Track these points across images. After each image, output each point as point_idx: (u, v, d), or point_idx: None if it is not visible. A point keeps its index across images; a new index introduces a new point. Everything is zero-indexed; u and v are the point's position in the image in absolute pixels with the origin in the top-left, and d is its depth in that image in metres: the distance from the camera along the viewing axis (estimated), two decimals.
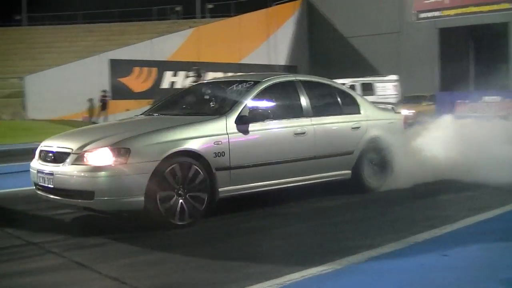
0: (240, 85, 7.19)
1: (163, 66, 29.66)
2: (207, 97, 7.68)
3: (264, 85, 6.95)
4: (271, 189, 6.72)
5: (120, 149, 5.60)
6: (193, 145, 5.97)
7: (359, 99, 8.04)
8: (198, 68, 20.07)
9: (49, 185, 5.85)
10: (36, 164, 6.18)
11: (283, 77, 7.57)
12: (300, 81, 7.39)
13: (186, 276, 4.30)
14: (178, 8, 38.21)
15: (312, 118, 7.09)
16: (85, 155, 5.59)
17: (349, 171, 7.51)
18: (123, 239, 5.42)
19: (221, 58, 29.89)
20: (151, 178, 5.57)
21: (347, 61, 31.93)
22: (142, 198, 5.53)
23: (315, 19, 35.41)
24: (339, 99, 7.73)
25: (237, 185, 6.37)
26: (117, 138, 5.78)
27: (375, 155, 7.76)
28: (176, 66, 29.77)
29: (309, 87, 7.42)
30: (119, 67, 28.09)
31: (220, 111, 6.62)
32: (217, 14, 36.52)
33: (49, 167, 5.89)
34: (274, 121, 6.70)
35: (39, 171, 6.03)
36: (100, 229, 5.88)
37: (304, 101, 7.14)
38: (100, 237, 5.50)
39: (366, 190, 7.59)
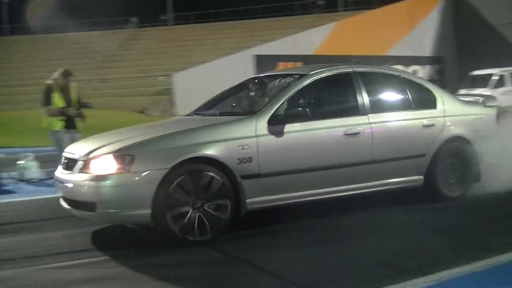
0: (284, 79, 6.26)
1: (308, 60, 29.81)
2: (251, 93, 6.66)
3: (310, 79, 6.04)
4: (315, 199, 5.80)
5: (124, 156, 4.99)
6: (211, 150, 5.20)
7: (435, 92, 6.72)
8: (357, 60, 18.91)
9: (61, 194, 5.55)
10: (57, 170, 5.76)
11: (337, 69, 6.42)
12: (359, 72, 6.33)
13: (340, 271, 4.25)
14: (320, 2, 38.36)
15: (370, 116, 6.05)
16: (89, 162, 5.09)
17: (421, 177, 6.38)
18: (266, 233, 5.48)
19: (364, 51, 29.51)
20: (159, 188, 4.91)
21: (497, 50, 30.23)
22: (149, 211, 4.90)
23: (461, 8, 33.90)
24: (408, 92, 6.56)
25: (270, 195, 5.50)
26: (123, 144, 5.17)
27: (454, 157, 6.59)
28: (320, 60, 29.84)
29: (369, 79, 6.41)
30: (264, 63, 28.50)
31: (252, 110, 5.82)
32: (359, 6, 36.24)
33: (61, 175, 5.52)
34: (319, 120, 5.79)
35: (56, 179, 5.69)
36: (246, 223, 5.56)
37: (361, 96, 6.12)
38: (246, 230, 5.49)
39: (442, 199, 6.41)
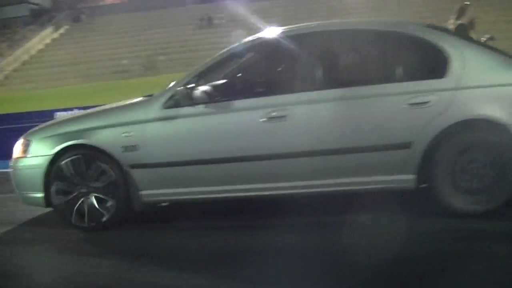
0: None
1: None
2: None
3: (231, 51, 5.14)
4: (228, 196, 4.89)
5: (26, 141, 5.38)
6: (92, 137, 5.00)
7: (452, 51, 4.49)
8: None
9: None
10: None
11: (287, 31, 5.08)
12: (321, 32, 5.04)
13: None
14: None
15: (322, 92, 4.63)
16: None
17: (410, 177, 4.49)
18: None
19: None
20: (46, 174, 5.09)
21: None
22: (42, 195, 5.12)
23: None
24: (393, 56, 4.82)
25: (168, 188, 4.96)
26: (36, 129, 5.62)
27: (474, 152, 4.42)
28: None
29: (336, 42, 4.94)
30: None
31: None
32: None
33: None
34: (234, 101, 4.82)
35: None
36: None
37: (321, 67, 4.75)
38: None
39: (451, 212, 4.43)
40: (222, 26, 34.28)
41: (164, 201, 5.31)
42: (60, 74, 32.90)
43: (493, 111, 4.31)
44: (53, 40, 39.74)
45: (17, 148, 5.40)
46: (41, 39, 39.07)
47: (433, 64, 4.58)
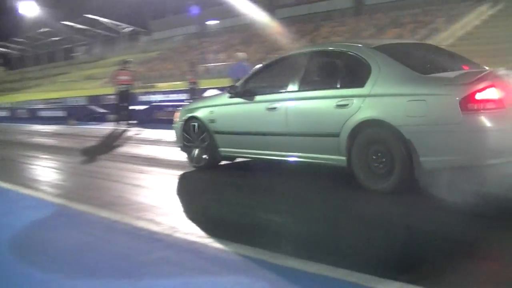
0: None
1: None
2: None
3: (264, 65, 8.33)
4: (257, 157, 7.94)
5: (177, 111, 9.38)
6: (198, 112, 8.57)
7: (375, 69, 6.23)
8: None
9: None
10: None
11: (291, 53, 8.14)
12: (304, 53, 7.60)
13: None
14: None
15: (291, 93, 7.18)
16: None
17: (343, 158, 6.49)
18: None
19: None
20: (182, 131, 8.92)
21: None
22: (181, 144, 9.12)
23: None
24: (339, 70, 6.96)
25: (229, 148, 8.24)
26: None
27: (378, 144, 6.09)
28: None
29: (317, 60, 7.37)
30: None
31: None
32: None
33: None
34: (257, 96, 7.76)
35: None
36: None
37: (299, 75, 7.22)
38: None
39: (365, 188, 6.23)
40: None
41: (232, 156, 8.52)
42: (497, 52, 33.05)
43: (386, 114, 5.97)
44: (491, 16, 39.99)
45: (175, 115, 9.28)
46: (478, 14, 39.78)
47: (359, 76, 6.45)
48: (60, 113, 28.27)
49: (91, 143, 14.48)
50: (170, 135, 11.31)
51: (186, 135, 8.72)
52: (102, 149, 12.32)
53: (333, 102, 6.53)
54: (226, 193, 7.30)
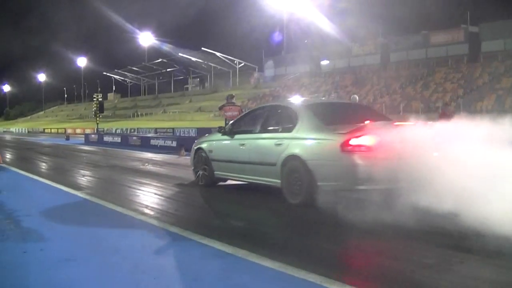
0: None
1: None
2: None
3: (246, 113, 12.05)
4: (235, 179, 10.83)
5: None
6: (202, 145, 11.60)
7: (301, 119, 9.23)
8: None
9: None
10: None
11: (258, 106, 12.79)
12: (264, 107, 11.15)
13: None
14: None
15: (253, 134, 10.14)
16: None
17: (278, 181, 9.20)
18: None
19: None
20: (193, 158, 11.90)
21: None
22: (193, 167, 11.98)
23: None
24: (282, 120, 9.75)
25: (221, 172, 10.99)
26: None
27: (296, 172, 8.76)
28: None
29: (272, 111, 10.44)
30: None
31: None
32: None
33: None
34: (236, 135, 10.63)
35: None
36: None
37: (257, 122, 10.28)
38: None
39: (289, 202, 8.84)
40: None
41: (223, 179, 11.29)
42: None
43: (301, 152, 8.75)
44: None
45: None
46: None
47: (291, 124, 9.32)
48: (170, 143, 29.25)
49: None
50: None
51: (195, 161, 11.80)
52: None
53: (274, 142, 9.45)
54: (217, 205, 9.89)
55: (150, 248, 6.20)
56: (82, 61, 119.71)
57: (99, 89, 72.68)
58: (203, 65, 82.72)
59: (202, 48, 74.91)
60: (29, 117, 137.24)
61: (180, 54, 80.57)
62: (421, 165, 7.03)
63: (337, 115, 9.55)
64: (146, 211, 8.60)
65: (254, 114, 11.05)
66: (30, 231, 7.04)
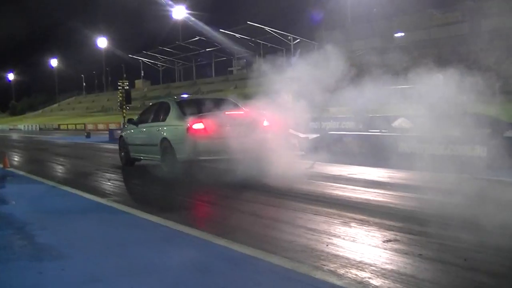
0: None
1: None
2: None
3: (151, 104, 20.03)
4: (144, 159, 17.35)
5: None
6: (124, 133, 18.87)
7: (173, 112, 15.32)
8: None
9: None
10: None
11: (157, 101, 20.16)
12: (156, 102, 18.82)
13: None
14: None
15: (148, 123, 16.60)
16: None
17: (158, 157, 15.46)
18: None
19: None
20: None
21: None
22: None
23: None
24: (164, 112, 15.73)
25: (134, 153, 17.57)
26: None
27: (166, 149, 14.88)
28: None
29: (160, 105, 16.70)
30: None
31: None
32: None
33: None
34: (140, 124, 17.30)
35: None
36: None
37: (153, 113, 16.73)
38: None
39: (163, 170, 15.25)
40: None
41: (137, 159, 17.68)
42: None
43: (168, 134, 14.92)
44: None
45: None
46: None
47: (166, 115, 15.56)
48: None
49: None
50: (349, 171, 14.72)
51: (119, 146, 18.88)
52: (265, 183, 12.62)
53: (156, 128, 15.64)
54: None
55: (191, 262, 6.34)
56: (103, 42, 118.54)
57: (125, 76, 73.22)
58: (249, 43, 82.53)
59: (248, 22, 74.80)
60: (40, 111, 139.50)
61: (221, 30, 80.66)
62: (240, 142, 13.10)
63: (198, 109, 15.11)
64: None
65: (152, 107, 17.77)
66: (46, 247, 7.08)
